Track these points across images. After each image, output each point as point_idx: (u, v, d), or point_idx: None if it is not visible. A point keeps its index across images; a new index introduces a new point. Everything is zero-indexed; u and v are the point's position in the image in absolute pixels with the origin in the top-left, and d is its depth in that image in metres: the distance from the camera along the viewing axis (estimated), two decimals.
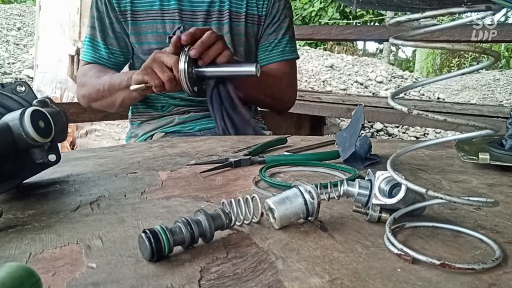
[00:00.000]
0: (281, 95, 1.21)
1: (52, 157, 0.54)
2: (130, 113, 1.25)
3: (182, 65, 0.88)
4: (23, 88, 0.54)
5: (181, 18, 1.10)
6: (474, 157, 0.64)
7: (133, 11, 1.10)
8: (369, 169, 0.46)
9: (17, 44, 6.06)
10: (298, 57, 1.26)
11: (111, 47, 1.14)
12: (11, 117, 0.47)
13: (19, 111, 0.47)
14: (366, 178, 0.45)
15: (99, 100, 1.11)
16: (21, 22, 7.16)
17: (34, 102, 0.52)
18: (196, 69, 0.90)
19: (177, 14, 1.10)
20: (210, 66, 0.91)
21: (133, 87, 0.93)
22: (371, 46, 14.59)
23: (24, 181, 0.57)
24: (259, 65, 0.88)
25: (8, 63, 5.22)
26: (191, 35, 0.88)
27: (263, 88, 1.14)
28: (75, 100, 2.63)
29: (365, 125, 4.18)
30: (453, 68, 11.62)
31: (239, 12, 1.16)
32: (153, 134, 1.15)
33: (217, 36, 0.90)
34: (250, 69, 0.88)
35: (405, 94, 5.19)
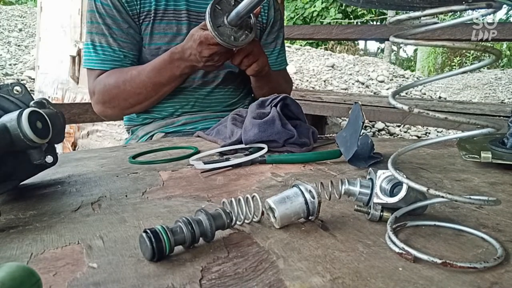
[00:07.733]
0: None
1: (49, 159, 0.54)
2: (126, 122, 1.21)
3: (207, 18, 0.87)
4: (19, 90, 0.54)
5: (188, 19, 1.10)
6: (476, 156, 0.64)
7: (156, 10, 1.07)
8: (370, 168, 0.45)
9: (19, 45, 6.08)
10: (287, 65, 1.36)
11: (124, 50, 1.08)
12: (9, 118, 0.47)
13: (17, 112, 0.47)
14: (368, 177, 0.45)
15: (139, 104, 1.08)
16: (23, 23, 7.18)
17: (31, 103, 0.52)
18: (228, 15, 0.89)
19: (185, 14, 1.09)
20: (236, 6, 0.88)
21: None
22: (372, 45, 14.61)
23: (25, 182, 0.57)
24: None
25: (10, 64, 5.23)
26: None
27: (269, 89, 1.17)
28: (77, 101, 2.65)
29: (366, 124, 4.17)
30: (454, 67, 11.60)
31: None
32: (153, 135, 1.14)
33: None
34: None
35: (406, 94, 5.18)
